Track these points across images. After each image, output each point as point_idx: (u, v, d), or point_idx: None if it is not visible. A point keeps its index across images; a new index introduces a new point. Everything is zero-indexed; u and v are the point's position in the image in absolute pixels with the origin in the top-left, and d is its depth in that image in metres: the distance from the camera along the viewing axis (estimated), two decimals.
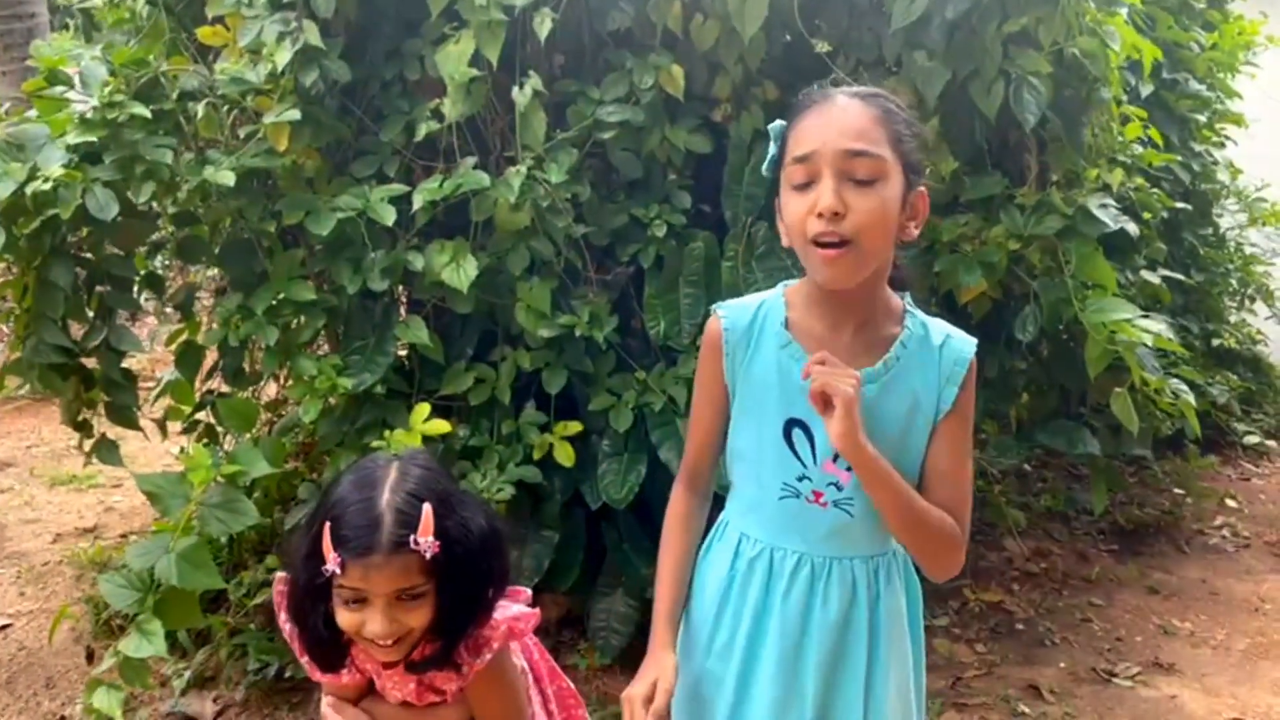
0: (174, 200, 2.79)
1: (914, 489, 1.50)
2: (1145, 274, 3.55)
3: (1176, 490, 4.35)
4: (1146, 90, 3.82)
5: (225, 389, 3.10)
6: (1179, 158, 4.00)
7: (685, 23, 2.77)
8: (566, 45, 2.89)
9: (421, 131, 2.75)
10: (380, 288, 2.74)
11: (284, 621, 1.52)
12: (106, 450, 2.93)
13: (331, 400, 2.78)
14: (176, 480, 2.38)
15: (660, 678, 1.48)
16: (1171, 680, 3.09)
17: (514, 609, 1.56)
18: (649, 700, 1.45)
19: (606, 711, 2.79)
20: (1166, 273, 3.70)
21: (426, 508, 1.39)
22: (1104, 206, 2.89)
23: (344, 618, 1.41)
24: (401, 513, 1.37)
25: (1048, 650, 3.25)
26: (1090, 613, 3.48)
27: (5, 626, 3.32)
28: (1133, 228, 3.05)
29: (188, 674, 2.92)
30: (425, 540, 1.37)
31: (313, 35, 2.65)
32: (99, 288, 2.81)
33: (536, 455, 2.84)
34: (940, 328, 1.57)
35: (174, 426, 3.19)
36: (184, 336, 3.03)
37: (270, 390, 3.38)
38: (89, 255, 2.77)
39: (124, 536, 3.93)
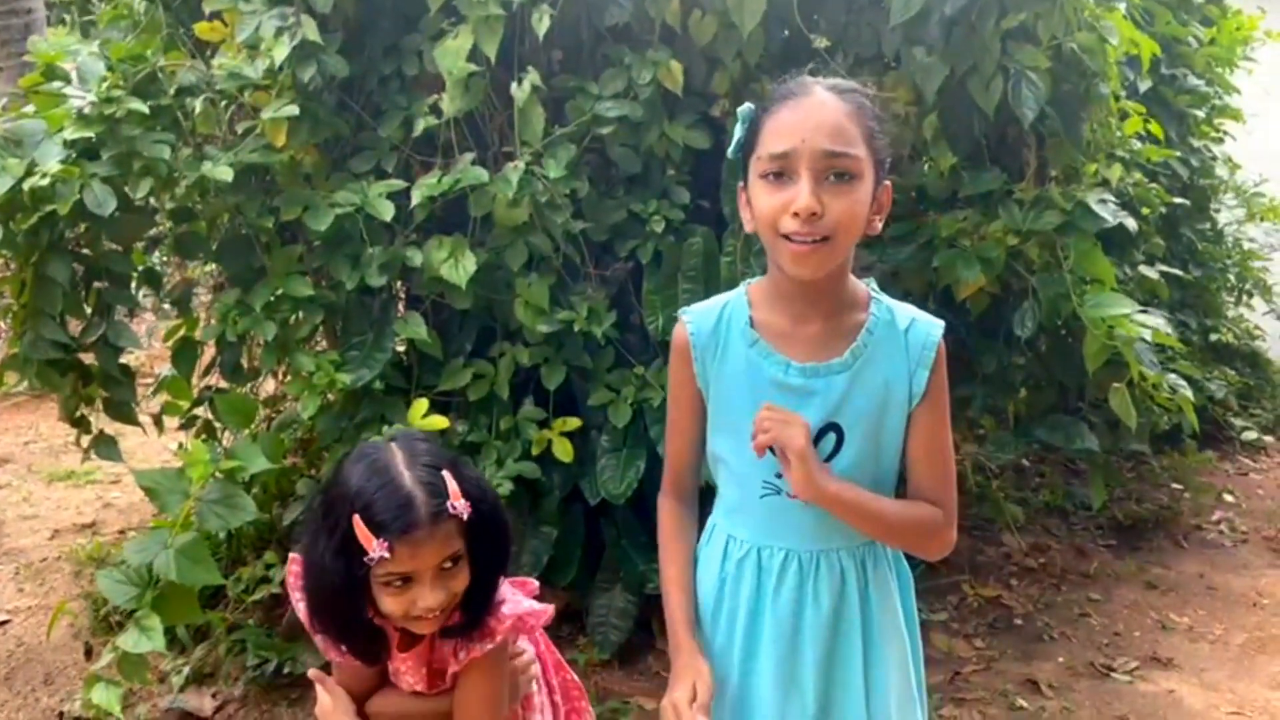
0: (172, 196, 2.78)
1: (890, 480, 1.53)
2: (1144, 269, 3.55)
3: (1174, 485, 4.35)
4: (1145, 86, 3.82)
5: (223, 385, 3.10)
6: (1177, 153, 4.00)
7: (684, 18, 2.77)
8: (565, 40, 2.89)
9: (420, 127, 2.75)
10: (378, 283, 2.74)
11: (298, 601, 1.52)
12: (105, 446, 2.93)
13: (330, 396, 2.78)
14: (175, 476, 2.38)
15: (698, 680, 1.49)
16: (1169, 675, 3.10)
17: (525, 604, 1.56)
18: (691, 702, 1.46)
19: (604, 707, 2.80)
20: (1165, 268, 3.70)
21: (446, 474, 1.43)
22: (1103, 202, 2.89)
23: (390, 602, 1.42)
24: (428, 484, 1.41)
25: (1046, 645, 3.26)
26: (1088, 608, 3.48)
27: (4, 622, 3.33)
28: (1131, 223, 3.05)
29: (186, 670, 2.92)
30: (460, 504, 1.41)
31: (311, 30, 2.65)
32: (97, 283, 2.80)
33: (535, 451, 2.84)
34: (906, 311, 1.57)
35: (172, 422, 3.19)
36: (181, 332, 3.03)
37: (268, 386, 3.38)
38: (87, 251, 2.76)
39: (122, 532, 3.93)
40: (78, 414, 2.90)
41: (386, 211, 2.68)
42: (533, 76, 2.70)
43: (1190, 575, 3.74)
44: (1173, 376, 3.03)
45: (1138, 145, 3.54)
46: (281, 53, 2.62)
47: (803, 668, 1.56)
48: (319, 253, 2.82)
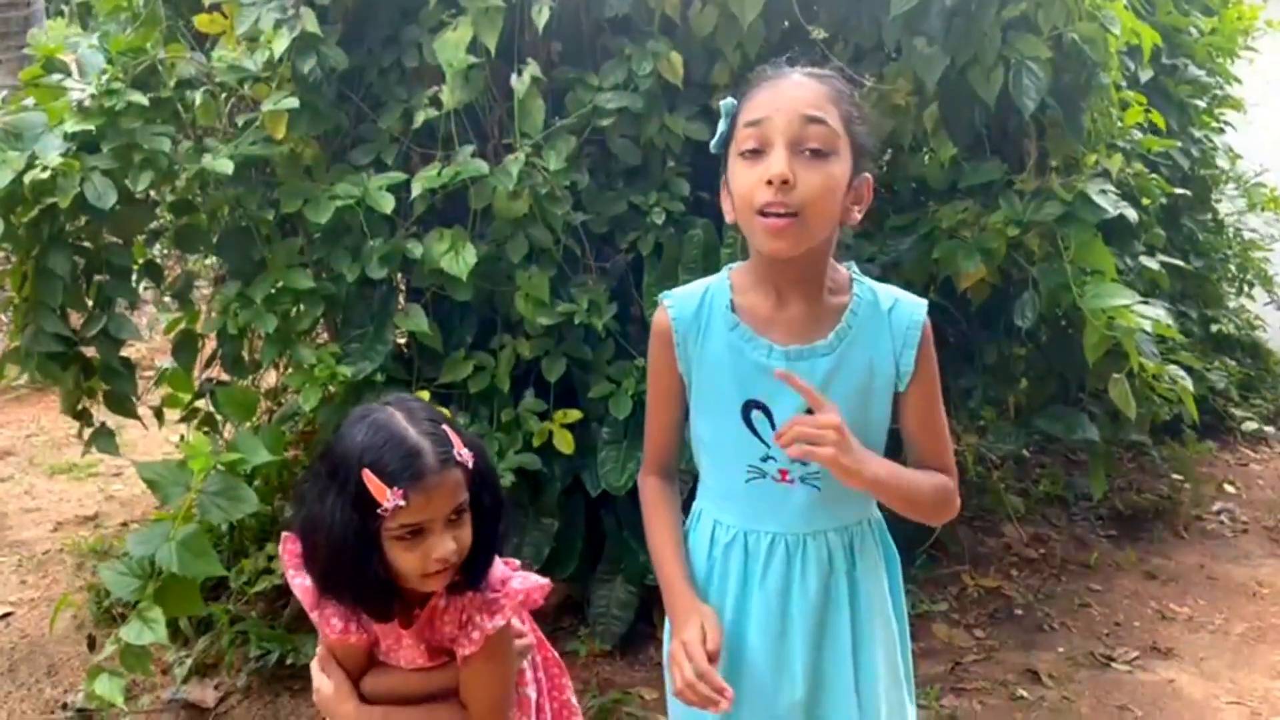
0: (172, 189, 2.79)
1: (881, 456, 1.52)
2: (1144, 260, 3.54)
3: (1175, 476, 4.36)
4: (1145, 75, 3.81)
5: (224, 377, 3.10)
6: (1178, 143, 3.99)
7: (683, 9, 2.76)
8: (565, 32, 2.88)
9: (420, 119, 2.74)
10: (379, 276, 2.74)
11: (294, 579, 1.53)
12: (106, 439, 2.93)
13: (331, 388, 2.78)
14: (176, 468, 2.38)
15: (706, 622, 1.49)
16: (1169, 665, 3.10)
17: (532, 578, 1.57)
18: (702, 642, 1.46)
19: (606, 698, 2.80)
20: (1165, 258, 3.69)
21: (446, 427, 1.46)
22: (1103, 192, 2.88)
23: (403, 557, 1.43)
24: (434, 435, 1.43)
25: (1046, 635, 3.27)
26: (1089, 598, 3.49)
27: (7, 615, 3.34)
28: (1132, 213, 3.05)
29: (189, 661, 2.92)
30: (465, 452, 1.44)
31: (310, 22, 2.64)
32: (97, 276, 2.80)
33: (536, 443, 2.84)
34: (889, 292, 1.57)
35: (173, 415, 3.20)
36: (182, 325, 3.03)
37: (269, 379, 3.38)
38: (87, 244, 2.76)
39: (124, 525, 3.94)
40: (79, 407, 2.90)
41: (387, 204, 2.68)
42: (532, 68, 2.70)
43: (1190, 565, 3.75)
44: (1173, 367, 3.03)
45: (1138, 135, 3.54)
46: (281, 45, 2.62)
47: (791, 650, 1.56)
48: (319, 245, 2.82)
